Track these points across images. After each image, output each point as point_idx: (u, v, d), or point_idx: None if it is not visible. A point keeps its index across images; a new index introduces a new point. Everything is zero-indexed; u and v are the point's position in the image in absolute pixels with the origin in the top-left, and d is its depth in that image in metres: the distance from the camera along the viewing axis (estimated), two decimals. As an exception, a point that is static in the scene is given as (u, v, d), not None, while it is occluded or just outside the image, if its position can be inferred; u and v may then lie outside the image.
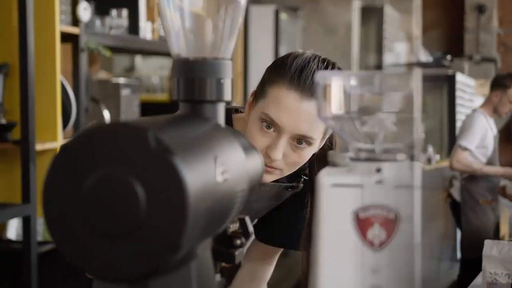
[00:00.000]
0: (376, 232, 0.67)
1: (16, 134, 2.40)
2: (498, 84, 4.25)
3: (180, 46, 0.81)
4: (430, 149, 6.29)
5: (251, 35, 4.93)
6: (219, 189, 0.68)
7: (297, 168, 1.29)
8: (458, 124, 7.11)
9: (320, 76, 0.70)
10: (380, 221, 0.67)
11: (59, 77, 2.47)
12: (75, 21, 2.63)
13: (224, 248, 0.86)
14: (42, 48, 2.45)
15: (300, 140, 1.23)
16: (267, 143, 1.23)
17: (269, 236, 1.49)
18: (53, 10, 2.46)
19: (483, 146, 4.19)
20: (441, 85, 6.81)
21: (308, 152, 1.26)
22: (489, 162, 4.23)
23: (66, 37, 2.62)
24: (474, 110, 4.43)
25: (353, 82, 0.70)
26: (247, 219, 0.85)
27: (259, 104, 1.25)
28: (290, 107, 1.21)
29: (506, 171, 4.31)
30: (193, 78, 0.79)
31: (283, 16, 5.30)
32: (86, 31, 2.69)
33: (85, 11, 2.61)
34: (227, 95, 0.81)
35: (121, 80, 3.18)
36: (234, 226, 0.86)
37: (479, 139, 4.13)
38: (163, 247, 0.61)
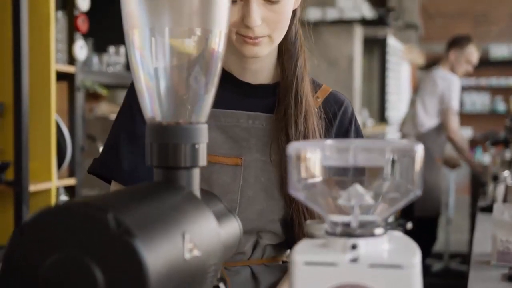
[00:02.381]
0: (351, 314, 0.63)
1: (9, 174, 2.37)
2: (455, 43, 4.31)
3: (153, 110, 0.79)
4: (365, 113, 6.21)
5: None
6: (187, 266, 0.65)
7: (285, 30, 1.20)
8: (389, 88, 7.11)
9: (293, 146, 0.67)
10: (356, 302, 0.63)
11: (54, 116, 2.45)
12: (72, 59, 2.62)
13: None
14: (37, 87, 2.43)
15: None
16: (239, 15, 1.15)
17: None
18: (49, 49, 2.45)
19: None
20: (372, 48, 6.78)
21: (286, 6, 1.17)
22: None
23: (62, 76, 2.60)
24: (437, 70, 4.44)
25: (327, 152, 0.67)
26: (222, 286, 0.82)
27: None
28: None
29: (476, 165, 4.30)
30: (167, 143, 0.76)
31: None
32: (83, 69, 2.68)
33: (81, 50, 2.60)
34: (203, 161, 0.78)
35: (120, 116, 3.15)
36: (210, 296, 0.83)
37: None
38: (124, 334, 0.58)
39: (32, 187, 2.39)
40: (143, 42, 0.77)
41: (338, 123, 1.31)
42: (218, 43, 0.79)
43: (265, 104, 1.27)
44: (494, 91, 9.83)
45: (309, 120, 1.22)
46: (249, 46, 1.17)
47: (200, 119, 0.79)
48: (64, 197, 2.72)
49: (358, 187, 0.68)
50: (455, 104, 4.18)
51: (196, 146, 0.77)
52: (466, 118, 9.95)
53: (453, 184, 5.92)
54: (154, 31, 0.77)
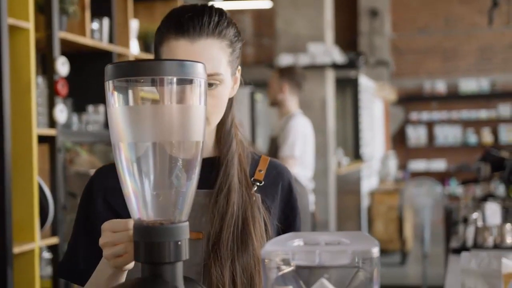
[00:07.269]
0: None
1: (-7, 237, 2.42)
2: None
3: (140, 212, 0.88)
4: (340, 152, 6.30)
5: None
6: None
7: (221, 114, 1.24)
8: (362, 126, 7.28)
9: (265, 250, 0.77)
10: None
11: (36, 179, 2.52)
12: (52, 123, 2.70)
13: None
14: (19, 151, 2.50)
15: (209, 83, 1.17)
16: None
17: None
18: (30, 113, 2.53)
19: None
20: (345, 87, 6.95)
21: (222, 92, 1.21)
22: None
23: (43, 138, 2.68)
24: None
25: (296, 254, 0.77)
26: None
27: None
28: (183, 54, 1.16)
29: None
30: (152, 242, 0.86)
31: (258, 96, 5.43)
32: (63, 132, 2.76)
33: (61, 113, 2.68)
34: (185, 255, 0.87)
35: (99, 171, 3.22)
36: None
37: None
38: None
39: (16, 249, 2.44)
40: (128, 153, 0.87)
41: (281, 191, 1.36)
42: (197, 150, 0.89)
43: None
44: (465, 124, 10.06)
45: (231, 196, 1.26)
46: None
47: (182, 217, 0.88)
48: (47, 255, 2.78)
49: (324, 281, 0.77)
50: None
51: (179, 243, 0.86)
52: (439, 150, 10.16)
53: (428, 219, 6.04)
54: (138, 143, 0.86)
